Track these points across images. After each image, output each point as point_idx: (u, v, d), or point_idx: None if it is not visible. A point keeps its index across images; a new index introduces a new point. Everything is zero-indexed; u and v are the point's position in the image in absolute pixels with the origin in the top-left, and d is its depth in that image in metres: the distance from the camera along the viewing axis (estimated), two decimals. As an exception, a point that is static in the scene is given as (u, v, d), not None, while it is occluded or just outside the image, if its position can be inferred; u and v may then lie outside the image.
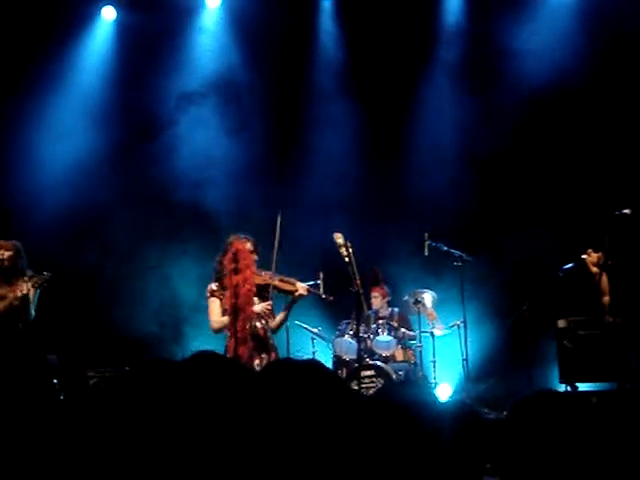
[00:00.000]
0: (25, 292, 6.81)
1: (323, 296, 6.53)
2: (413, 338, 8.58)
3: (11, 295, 6.91)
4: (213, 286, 6.35)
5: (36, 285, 6.87)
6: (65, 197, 9.04)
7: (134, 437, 0.88)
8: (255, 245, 6.37)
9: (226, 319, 6.20)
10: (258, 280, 6.29)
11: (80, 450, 0.89)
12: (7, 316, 6.97)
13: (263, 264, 6.43)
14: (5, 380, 5.71)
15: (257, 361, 6.17)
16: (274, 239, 6.32)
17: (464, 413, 2.47)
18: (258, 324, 6.28)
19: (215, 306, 6.32)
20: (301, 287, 6.29)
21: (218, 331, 6.35)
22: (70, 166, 9.29)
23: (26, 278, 6.89)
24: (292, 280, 6.37)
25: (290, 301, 6.37)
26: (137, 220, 9.42)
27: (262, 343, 6.28)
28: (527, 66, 9.21)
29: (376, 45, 9.78)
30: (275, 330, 6.48)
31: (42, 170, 9.29)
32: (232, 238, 6.34)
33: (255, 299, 6.29)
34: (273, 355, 6.33)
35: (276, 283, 6.30)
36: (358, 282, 6.09)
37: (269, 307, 6.31)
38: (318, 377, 0.96)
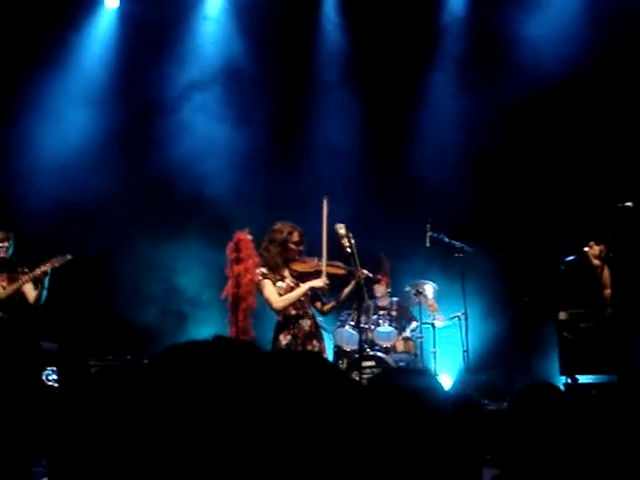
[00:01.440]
0: (46, 270, 6.82)
1: (371, 275, 6.50)
2: (414, 328, 8.60)
3: (26, 277, 6.93)
4: (263, 269, 6.26)
5: (55, 265, 6.88)
6: (66, 184, 9.02)
7: (141, 428, 0.87)
8: (301, 234, 6.30)
9: (287, 296, 6.15)
10: (306, 267, 6.25)
11: (80, 441, 0.88)
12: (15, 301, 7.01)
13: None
14: None
15: (309, 347, 6.15)
16: (321, 226, 6.22)
17: (466, 403, 2.48)
18: (309, 311, 6.27)
19: (271, 287, 6.21)
20: (360, 270, 6.19)
21: (283, 310, 6.21)
22: (70, 153, 9.27)
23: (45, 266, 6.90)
24: (340, 264, 6.29)
25: (351, 284, 6.21)
26: (139, 208, 9.42)
27: (312, 331, 6.27)
28: (532, 57, 9.18)
29: (380, 35, 9.74)
30: (326, 313, 6.44)
31: (41, 156, 9.28)
32: (278, 225, 6.29)
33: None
34: (322, 345, 6.33)
35: (326, 268, 6.21)
36: (358, 274, 6.09)
37: (328, 283, 6.22)
38: (317, 368, 0.95)
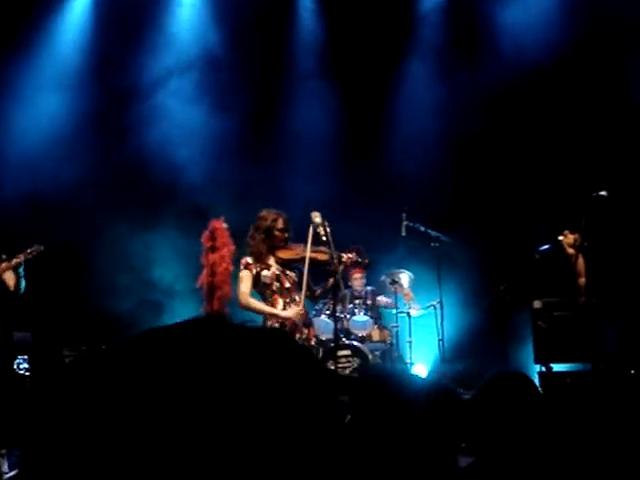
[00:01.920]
0: (20, 261, 6.74)
1: (366, 260, 6.47)
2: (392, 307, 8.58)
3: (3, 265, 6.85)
4: (248, 259, 6.22)
5: (29, 256, 6.81)
6: (37, 172, 8.92)
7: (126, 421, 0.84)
8: (286, 221, 6.26)
9: (256, 305, 6.10)
10: (291, 255, 6.22)
11: (54, 430, 0.85)
12: None
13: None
14: None
15: (298, 335, 6.12)
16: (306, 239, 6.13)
17: (441, 392, 2.47)
18: (297, 297, 6.24)
19: (247, 281, 6.16)
20: (347, 256, 6.14)
21: (244, 307, 6.19)
22: (42, 139, 9.17)
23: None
24: (326, 249, 6.19)
25: (333, 271, 6.14)
26: (113, 195, 9.35)
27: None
28: (510, 44, 9.21)
29: (357, 23, 9.71)
30: (315, 300, 6.40)
31: (11, 143, 9.17)
32: (263, 213, 6.24)
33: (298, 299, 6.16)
34: (310, 330, 6.32)
35: (310, 255, 6.17)
36: (336, 261, 6.07)
37: (302, 312, 6.17)
38: (284, 347, 0.92)
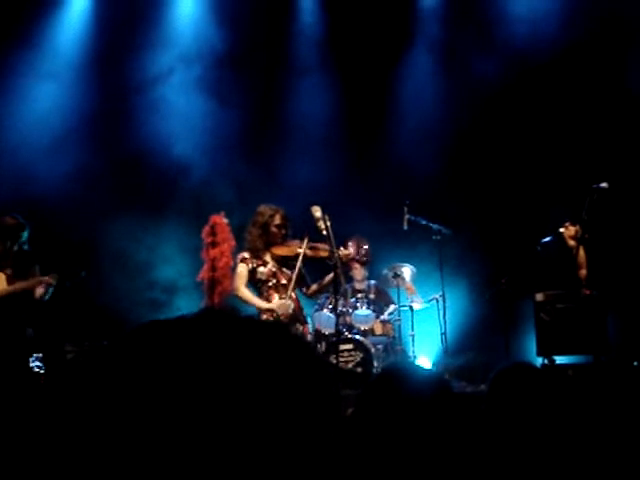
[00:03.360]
0: (51, 282, 6.72)
1: (365, 259, 6.45)
2: (392, 311, 8.61)
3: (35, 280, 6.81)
4: (245, 254, 6.23)
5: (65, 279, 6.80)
6: (36, 168, 8.92)
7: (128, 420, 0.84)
8: (284, 217, 6.26)
9: (250, 298, 6.11)
10: (287, 252, 6.20)
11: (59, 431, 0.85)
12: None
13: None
14: None
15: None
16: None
17: (436, 383, 2.46)
18: (292, 294, 6.22)
19: (242, 273, 6.18)
20: (344, 251, 6.13)
21: (239, 297, 6.21)
22: (41, 135, 9.18)
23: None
24: (323, 245, 6.19)
25: (333, 265, 6.13)
26: (113, 191, 9.35)
27: (295, 314, 6.24)
28: (509, 37, 9.20)
29: (358, 16, 9.69)
30: (313, 295, 6.41)
31: (9, 139, 9.19)
32: (261, 208, 6.23)
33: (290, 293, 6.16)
34: (305, 328, 6.32)
35: (307, 251, 6.17)
36: (336, 255, 6.06)
37: (287, 305, 6.17)
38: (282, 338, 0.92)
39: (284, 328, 0.96)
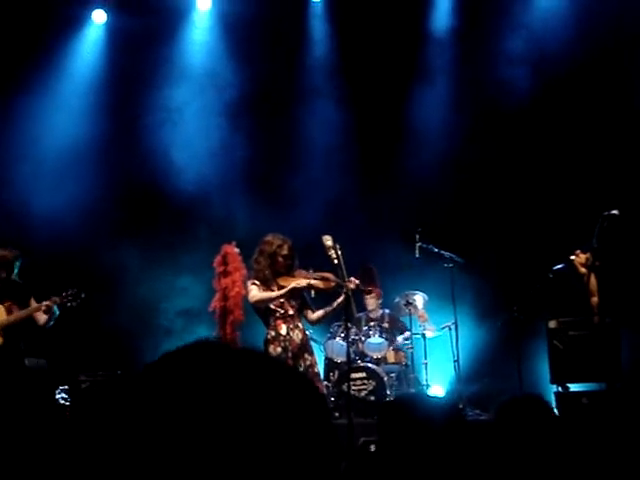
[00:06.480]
0: (50, 305, 6.74)
1: (368, 288, 6.43)
2: (407, 337, 8.58)
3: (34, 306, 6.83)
4: (255, 281, 6.20)
5: (64, 300, 6.81)
6: (53, 196, 9.02)
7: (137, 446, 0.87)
8: (291, 248, 6.23)
9: (265, 294, 6.07)
10: (290, 283, 6.16)
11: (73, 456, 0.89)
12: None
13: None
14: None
15: (301, 360, 6.10)
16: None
17: (449, 411, 2.47)
18: (300, 324, 6.21)
19: (255, 288, 6.14)
20: (349, 280, 6.06)
21: (259, 303, 6.16)
22: (57, 162, 9.31)
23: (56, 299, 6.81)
24: (330, 276, 6.18)
25: (342, 296, 6.10)
26: (125, 220, 9.43)
27: (303, 344, 6.23)
28: (520, 67, 9.24)
29: (367, 44, 9.77)
30: (315, 322, 6.38)
31: (29, 166, 9.31)
32: (268, 237, 6.21)
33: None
34: (314, 357, 6.29)
35: (315, 283, 6.15)
36: (348, 284, 6.04)
37: (312, 284, 6.16)
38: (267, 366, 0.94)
39: (278, 362, 0.98)
